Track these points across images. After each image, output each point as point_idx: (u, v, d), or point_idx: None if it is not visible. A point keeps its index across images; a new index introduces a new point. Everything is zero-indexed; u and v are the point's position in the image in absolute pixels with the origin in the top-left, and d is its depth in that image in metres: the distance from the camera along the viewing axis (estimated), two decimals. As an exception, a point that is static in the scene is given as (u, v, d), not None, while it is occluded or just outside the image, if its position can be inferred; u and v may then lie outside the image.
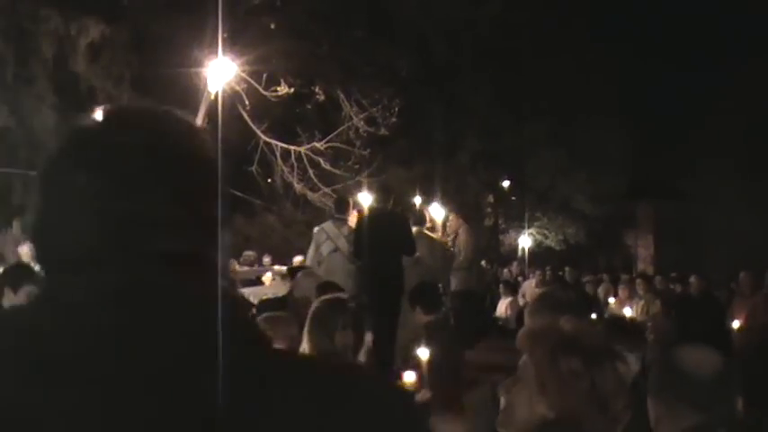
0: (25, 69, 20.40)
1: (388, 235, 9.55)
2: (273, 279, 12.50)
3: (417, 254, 9.90)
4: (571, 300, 3.58)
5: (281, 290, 8.57)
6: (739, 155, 30.25)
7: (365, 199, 11.51)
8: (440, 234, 12.43)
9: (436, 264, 10.48)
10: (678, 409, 2.56)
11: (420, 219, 11.48)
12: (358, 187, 22.35)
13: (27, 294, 5.26)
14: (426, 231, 11.25)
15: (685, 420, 2.54)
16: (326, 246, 10.20)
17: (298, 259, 15.59)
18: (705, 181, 31.48)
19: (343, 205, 10.79)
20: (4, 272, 6.28)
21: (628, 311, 11.54)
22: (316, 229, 10.95)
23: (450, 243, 12.48)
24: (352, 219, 10.40)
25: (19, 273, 5.69)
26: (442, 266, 10.70)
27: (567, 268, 21.03)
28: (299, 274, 8.16)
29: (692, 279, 15.51)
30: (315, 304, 5.19)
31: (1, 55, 19.48)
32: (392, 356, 8.87)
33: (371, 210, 10.28)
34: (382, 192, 10.63)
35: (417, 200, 18.65)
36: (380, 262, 9.43)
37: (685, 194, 33.84)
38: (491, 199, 36.58)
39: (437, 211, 14.06)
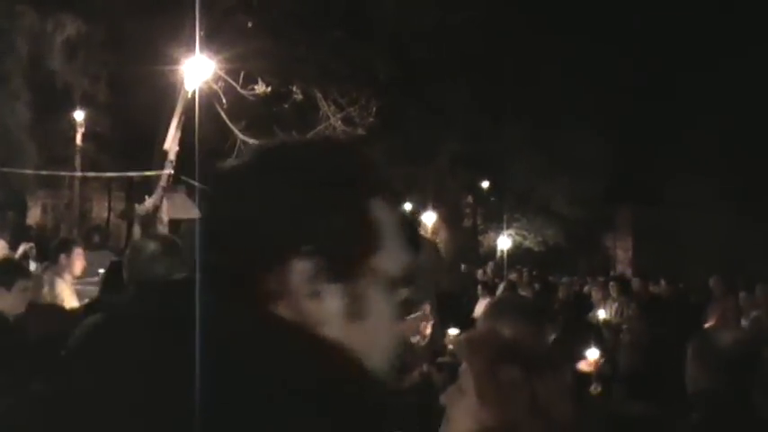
0: (0, 66, 20.26)
1: None
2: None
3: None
4: (525, 305, 3.53)
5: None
6: (717, 160, 30.44)
7: None
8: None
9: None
10: None
11: None
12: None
13: (20, 290, 5.17)
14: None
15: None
16: None
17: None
18: (684, 185, 31.59)
19: None
20: None
21: (602, 314, 11.50)
22: None
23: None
24: None
25: (10, 269, 5.58)
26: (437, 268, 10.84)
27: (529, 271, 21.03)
28: None
29: (662, 282, 15.54)
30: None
31: (-25, 52, 19.38)
32: None
33: None
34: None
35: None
36: None
37: (664, 198, 33.96)
38: (470, 200, 36.63)
39: (429, 218, 14.12)
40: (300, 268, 1.10)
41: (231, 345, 1.06)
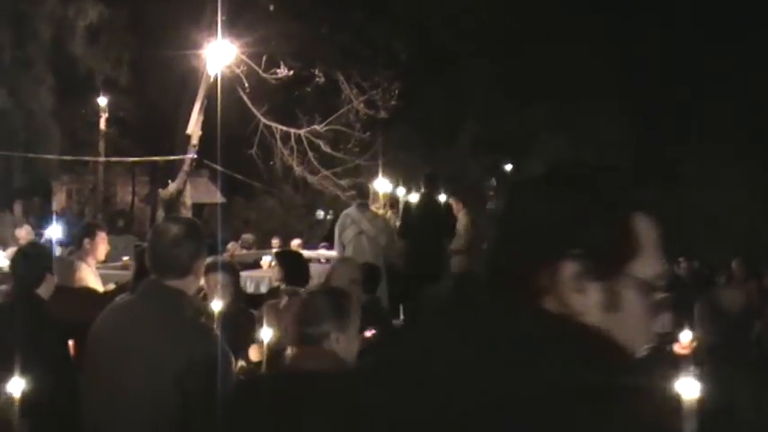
0: (23, 52, 20.32)
1: (430, 219, 10.92)
2: (272, 263, 12.41)
3: (370, 232, 10.74)
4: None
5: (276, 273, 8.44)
6: (740, 139, 30.15)
7: (381, 185, 12.46)
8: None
9: (384, 241, 10.90)
10: None
11: (364, 195, 11.92)
12: (370, 172, 22.35)
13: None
14: (373, 209, 11.81)
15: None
16: (351, 229, 10.81)
17: (296, 242, 15.54)
18: (707, 166, 31.38)
19: (364, 191, 11.66)
20: None
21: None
22: (342, 214, 11.55)
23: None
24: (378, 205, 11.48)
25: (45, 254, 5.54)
26: (387, 243, 10.93)
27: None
28: (335, 261, 8.07)
29: (683, 264, 15.41)
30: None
31: (-1, 38, 19.44)
32: None
33: (421, 196, 11.55)
34: (429, 178, 11.65)
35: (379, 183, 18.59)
36: (423, 242, 10.79)
37: (687, 179, 33.74)
38: (494, 182, 36.54)
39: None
40: (570, 268, 1.35)
41: (534, 334, 1.32)
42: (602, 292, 1.36)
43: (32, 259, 5.12)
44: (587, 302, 1.35)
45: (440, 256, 11.11)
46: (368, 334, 5.61)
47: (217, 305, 4.40)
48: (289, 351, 3.24)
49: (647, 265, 1.39)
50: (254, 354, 4.96)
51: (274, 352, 4.07)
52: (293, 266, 7.03)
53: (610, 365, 1.29)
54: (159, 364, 3.18)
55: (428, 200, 11.37)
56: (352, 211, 11.12)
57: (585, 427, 1.22)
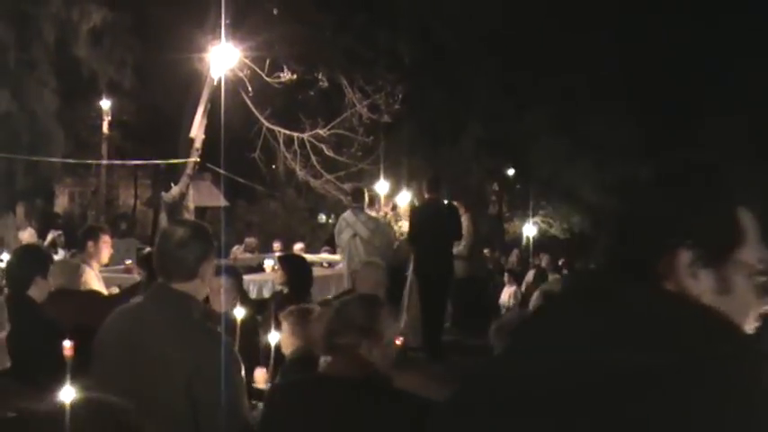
0: (27, 54, 20.32)
1: (438, 222, 11.09)
2: (275, 266, 12.40)
3: (364, 234, 10.95)
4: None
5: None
6: (748, 143, 30.07)
7: (381, 188, 12.52)
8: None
9: (378, 242, 11.14)
10: None
11: (359, 198, 11.91)
12: (372, 176, 22.36)
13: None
14: (372, 212, 11.92)
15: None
16: (347, 232, 11.05)
17: (298, 246, 15.54)
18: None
19: (358, 194, 11.62)
20: None
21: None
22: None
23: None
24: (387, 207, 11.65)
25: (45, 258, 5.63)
26: (383, 244, 11.20)
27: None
28: (361, 266, 8.05)
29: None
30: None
31: (3, 39, 19.39)
32: (440, 330, 11.24)
33: (424, 199, 11.72)
34: (433, 182, 11.71)
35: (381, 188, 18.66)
36: (431, 246, 10.99)
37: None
38: (495, 187, 36.53)
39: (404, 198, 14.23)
40: (685, 257, 1.55)
41: (667, 313, 1.47)
42: (714, 277, 1.56)
43: (25, 262, 5.22)
44: (701, 286, 1.55)
45: (450, 259, 11.39)
46: (398, 342, 5.57)
47: (239, 312, 4.42)
48: (322, 360, 3.25)
49: (752, 252, 1.59)
50: (259, 379, 4.92)
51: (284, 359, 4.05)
52: (297, 270, 7.01)
53: (738, 336, 1.48)
54: (166, 368, 3.16)
55: (435, 203, 11.46)
56: (347, 214, 11.34)
57: (730, 385, 1.36)
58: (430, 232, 11.00)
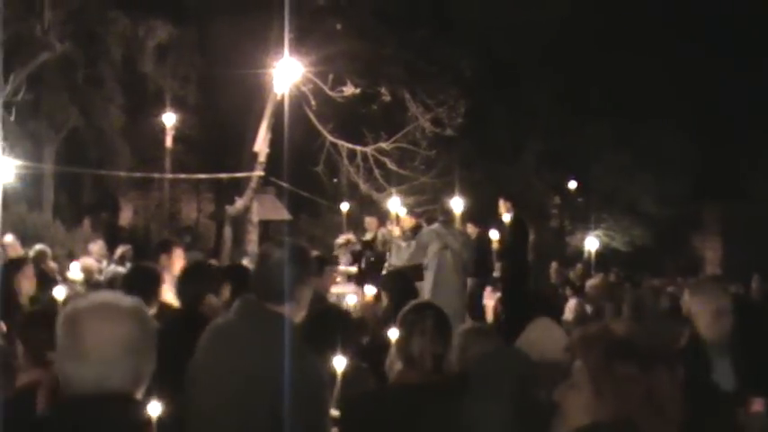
0: (94, 71, 20.69)
1: (524, 239, 12.34)
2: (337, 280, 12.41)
3: (455, 246, 11.25)
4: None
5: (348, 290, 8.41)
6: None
7: (456, 204, 12.90)
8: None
9: (467, 256, 11.49)
10: None
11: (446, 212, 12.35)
12: (436, 190, 22.30)
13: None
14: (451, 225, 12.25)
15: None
16: (435, 244, 11.14)
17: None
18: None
19: (448, 211, 12.12)
20: None
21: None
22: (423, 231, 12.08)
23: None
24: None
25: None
26: (469, 257, 11.54)
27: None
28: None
29: (754, 281, 15.04)
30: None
31: (71, 58, 19.75)
32: None
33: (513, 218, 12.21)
34: (512, 200, 12.30)
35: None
36: (524, 262, 12.30)
37: (753, 194, 33.10)
38: (557, 200, 36.27)
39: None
40: None
41: None
42: None
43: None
44: None
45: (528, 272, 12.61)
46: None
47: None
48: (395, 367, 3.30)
49: None
50: None
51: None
52: (402, 288, 6.92)
53: None
54: (258, 387, 3.18)
55: (519, 221, 12.11)
56: (437, 226, 11.51)
57: None
58: (522, 249, 12.13)
